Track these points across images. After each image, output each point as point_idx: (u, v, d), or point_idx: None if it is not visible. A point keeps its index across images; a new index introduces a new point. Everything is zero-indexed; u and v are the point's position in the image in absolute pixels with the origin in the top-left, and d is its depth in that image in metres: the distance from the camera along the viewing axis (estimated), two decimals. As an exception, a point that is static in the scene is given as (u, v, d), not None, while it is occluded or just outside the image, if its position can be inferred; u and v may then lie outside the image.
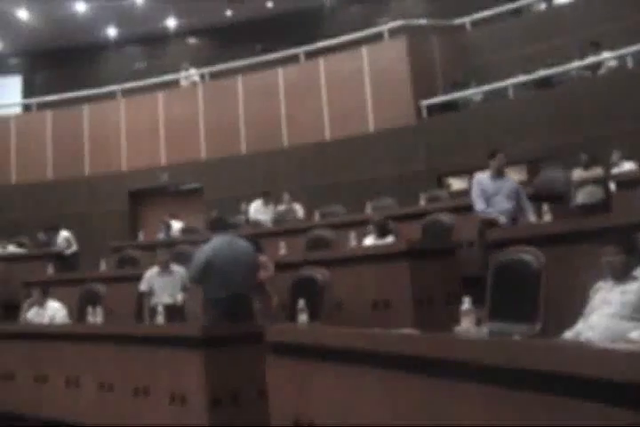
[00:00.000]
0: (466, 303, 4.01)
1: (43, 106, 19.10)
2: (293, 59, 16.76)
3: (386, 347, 3.99)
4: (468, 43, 15.82)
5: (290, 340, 5.05)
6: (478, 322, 4.10)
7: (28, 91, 22.53)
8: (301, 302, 5.26)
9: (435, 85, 15.05)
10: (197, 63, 18.73)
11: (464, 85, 14.74)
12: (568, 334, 4.23)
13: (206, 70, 18.01)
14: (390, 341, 4.06)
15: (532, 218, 7.51)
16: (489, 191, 7.67)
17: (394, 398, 3.90)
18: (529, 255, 4.98)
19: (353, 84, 15.39)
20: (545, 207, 7.07)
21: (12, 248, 14.32)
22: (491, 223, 7.37)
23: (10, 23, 20.48)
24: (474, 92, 14.43)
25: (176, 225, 14.37)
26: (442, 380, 3.53)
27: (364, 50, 15.53)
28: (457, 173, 14.17)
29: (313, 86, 15.90)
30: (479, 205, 7.65)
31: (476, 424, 3.30)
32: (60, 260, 12.99)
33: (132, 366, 6.49)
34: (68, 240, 13.62)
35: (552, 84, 13.32)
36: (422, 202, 10.37)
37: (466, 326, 3.94)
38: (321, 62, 16.07)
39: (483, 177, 7.82)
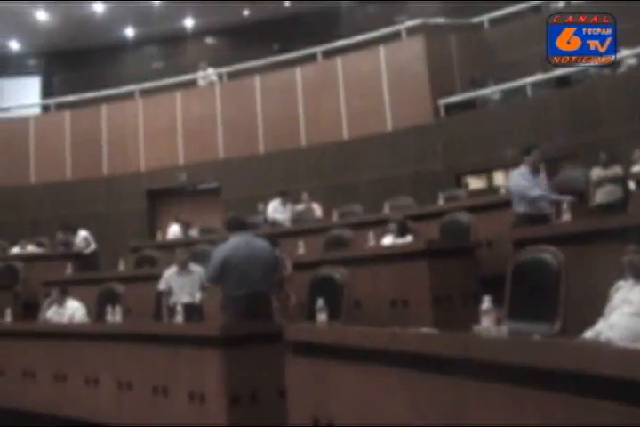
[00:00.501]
0: (486, 302, 3.99)
1: (61, 106, 19.18)
2: (311, 58, 16.77)
3: (405, 346, 3.99)
4: (485, 41, 15.76)
5: (309, 339, 5.05)
6: (498, 321, 4.09)
7: (47, 91, 22.59)
8: (320, 302, 5.25)
9: (452, 84, 14.99)
10: (215, 63, 18.72)
11: (482, 84, 14.69)
12: (588, 334, 4.21)
13: (224, 70, 18.03)
14: (409, 340, 4.06)
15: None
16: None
17: (413, 398, 3.89)
18: (548, 254, 4.95)
19: (371, 83, 15.37)
20: (564, 206, 7.03)
21: (31, 248, 14.38)
22: (542, 216, 7.34)
23: (28, 24, 20.56)
24: (492, 91, 14.38)
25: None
26: (461, 379, 3.52)
27: (382, 49, 15.50)
28: (475, 172, 14.15)
29: (331, 86, 15.88)
30: (535, 191, 7.59)
31: (495, 424, 3.28)
32: (80, 259, 13.03)
33: (150, 365, 6.51)
34: (86, 240, 13.64)
35: (571, 83, 13.24)
36: (441, 201, 10.34)
37: (486, 325, 3.92)
38: (339, 62, 16.05)
39: (524, 171, 7.77)
